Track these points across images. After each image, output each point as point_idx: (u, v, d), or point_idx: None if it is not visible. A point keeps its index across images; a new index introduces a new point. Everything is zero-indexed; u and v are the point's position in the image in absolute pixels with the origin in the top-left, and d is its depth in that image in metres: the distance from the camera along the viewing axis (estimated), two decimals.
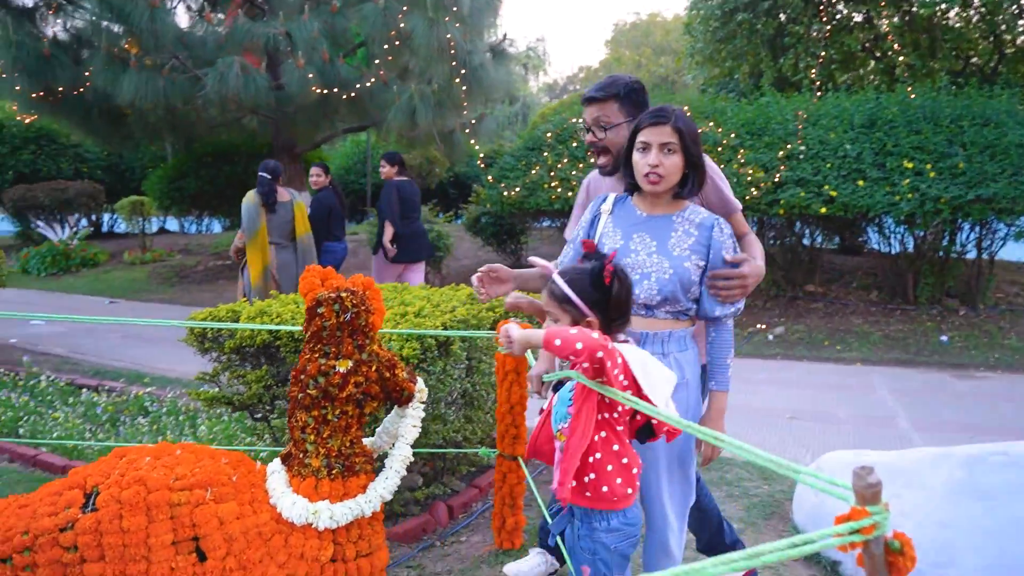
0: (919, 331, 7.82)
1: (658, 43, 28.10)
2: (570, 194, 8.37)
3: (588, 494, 1.87)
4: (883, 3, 11.54)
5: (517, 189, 8.60)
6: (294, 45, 8.70)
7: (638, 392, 1.77)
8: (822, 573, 3.13)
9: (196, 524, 1.79)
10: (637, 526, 1.95)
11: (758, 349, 7.51)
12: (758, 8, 11.89)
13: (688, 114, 2.34)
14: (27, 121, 12.83)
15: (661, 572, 0.88)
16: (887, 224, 8.37)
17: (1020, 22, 11.73)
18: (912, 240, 8.30)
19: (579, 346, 1.69)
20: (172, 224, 18.55)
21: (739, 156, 7.87)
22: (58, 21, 8.86)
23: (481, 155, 10.16)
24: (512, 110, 28.45)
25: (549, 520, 2.87)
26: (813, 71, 10.94)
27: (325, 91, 8.58)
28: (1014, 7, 11.30)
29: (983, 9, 11.54)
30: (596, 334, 1.74)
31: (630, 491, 1.90)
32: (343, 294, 1.91)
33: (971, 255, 8.29)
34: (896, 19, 11.89)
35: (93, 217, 15.97)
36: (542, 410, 2.59)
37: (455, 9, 8.23)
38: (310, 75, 8.48)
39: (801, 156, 7.74)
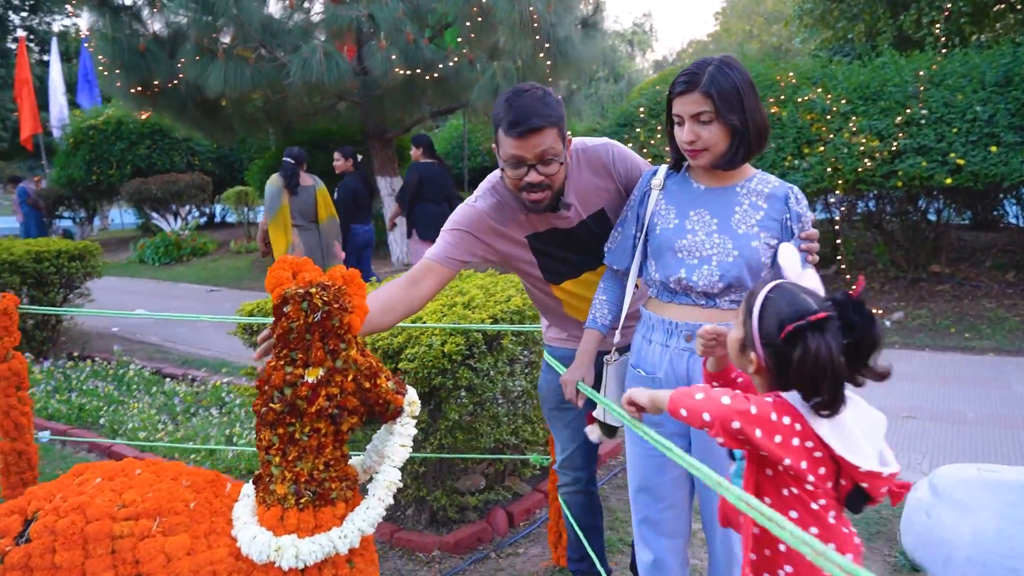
0: None
1: (770, 11, 26.64)
2: None
3: None
4: None
5: None
6: (377, 27, 8.54)
7: (827, 455, 1.36)
8: None
9: (139, 560, 1.53)
10: None
11: None
12: None
13: (730, 66, 1.90)
14: (143, 117, 13.31)
15: None
16: None
17: None
18: None
19: (706, 417, 1.35)
20: None
21: (850, 124, 7.11)
22: (153, 16, 9.03)
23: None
24: (617, 88, 27.73)
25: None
26: (938, 26, 9.85)
27: (409, 73, 8.38)
28: None
29: None
30: (728, 399, 1.34)
31: None
32: (313, 290, 1.60)
33: None
34: None
35: (205, 208, 16.55)
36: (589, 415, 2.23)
37: None
38: (393, 57, 8.30)
39: (922, 121, 6.90)
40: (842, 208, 8.13)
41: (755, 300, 1.40)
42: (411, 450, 1.73)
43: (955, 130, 6.80)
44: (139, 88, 8.91)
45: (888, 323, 7.04)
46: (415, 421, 1.73)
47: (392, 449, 1.71)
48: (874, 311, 1.40)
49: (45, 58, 18.15)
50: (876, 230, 8.15)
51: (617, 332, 2.25)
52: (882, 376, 1.36)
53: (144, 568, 1.53)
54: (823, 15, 12.12)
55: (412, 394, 1.74)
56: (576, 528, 2.70)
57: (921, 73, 7.22)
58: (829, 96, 7.38)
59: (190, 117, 10.08)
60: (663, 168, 2.13)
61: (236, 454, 4.25)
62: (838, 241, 7.83)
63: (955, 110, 6.89)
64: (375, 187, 8.17)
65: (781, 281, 1.43)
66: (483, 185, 2.30)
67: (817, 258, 1.94)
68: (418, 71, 8.32)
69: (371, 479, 1.78)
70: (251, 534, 1.59)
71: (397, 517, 3.66)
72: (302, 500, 1.61)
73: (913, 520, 3.01)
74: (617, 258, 2.18)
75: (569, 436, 2.59)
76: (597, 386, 2.22)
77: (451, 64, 8.30)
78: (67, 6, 10.13)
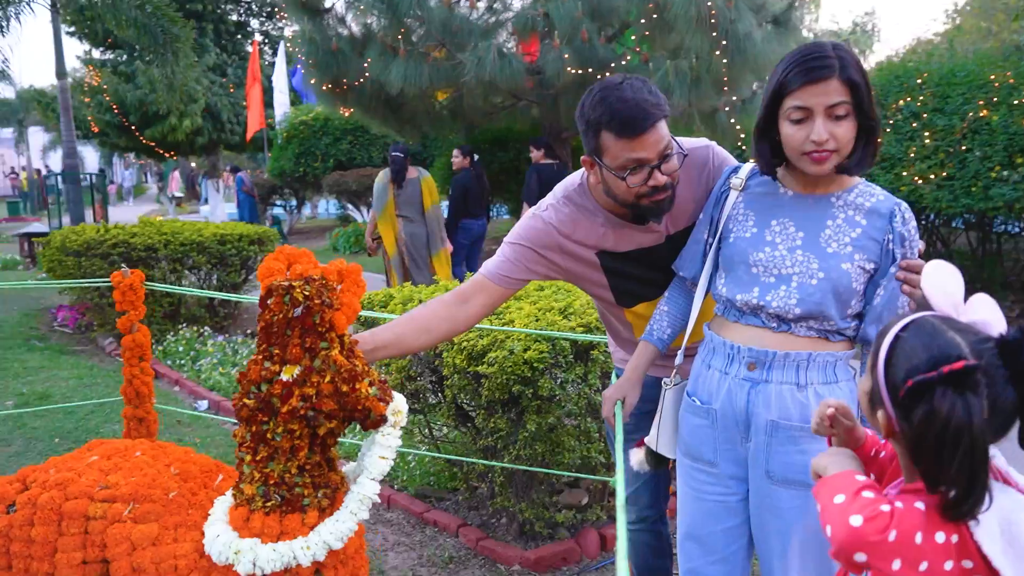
0: None
1: (1013, 5, 23.58)
2: None
3: None
4: None
5: None
6: (551, 25, 8.48)
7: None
8: None
9: (106, 544, 1.52)
10: None
11: None
12: None
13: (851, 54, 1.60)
14: (346, 114, 14.20)
15: None
16: None
17: None
18: None
19: (828, 532, 1.04)
20: None
21: None
22: (345, 18, 9.55)
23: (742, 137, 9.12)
24: None
25: None
26: None
27: (581, 72, 8.24)
28: None
29: None
30: (858, 517, 1.01)
31: None
32: (295, 283, 1.51)
33: None
34: None
35: None
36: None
37: None
38: (566, 56, 8.20)
39: None
40: None
41: (884, 340, 1.08)
42: (392, 462, 1.59)
43: None
44: (330, 86, 9.45)
45: None
46: (398, 432, 1.59)
47: (371, 460, 1.58)
48: None
49: (276, 60, 19.90)
50: None
51: (680, 352, 1.98)
52: None
53: (109, 552, 1.52)
54: None
55: (399, 402, 1.60)
56: (637, 568, 2.43)
57: None
58: None
59: (378, 113, 10.57)
60: (747, 166, 1.82)
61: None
62: None
63: None
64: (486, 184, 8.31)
65: (925, 314, 1.08)
66: (555, 193, 2.05)
67: (919, 293, 1.56)
68: (590, 70, 8.16)
69: None
70: (215, 532, 1.53)
71: (489, 524, 3.54)
72: (269, 503, 1.53)
73: None
74: (685, 263, 1.91)
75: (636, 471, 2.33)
76: (654, 411, 1.97)
77: (623, 63, 8.05)
78: (277, 11, 10.94)
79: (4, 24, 9.97)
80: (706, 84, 7.54)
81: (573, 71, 8.29)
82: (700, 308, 1.88)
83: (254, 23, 26.53)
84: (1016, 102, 6.41)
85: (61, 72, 10.89)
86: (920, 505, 1.01)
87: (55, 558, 1.51)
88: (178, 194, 28.51)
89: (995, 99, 6.52)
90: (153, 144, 23.05)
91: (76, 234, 6.99)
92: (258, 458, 1.53)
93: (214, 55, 23.48)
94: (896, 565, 0.98)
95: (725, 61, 7.48)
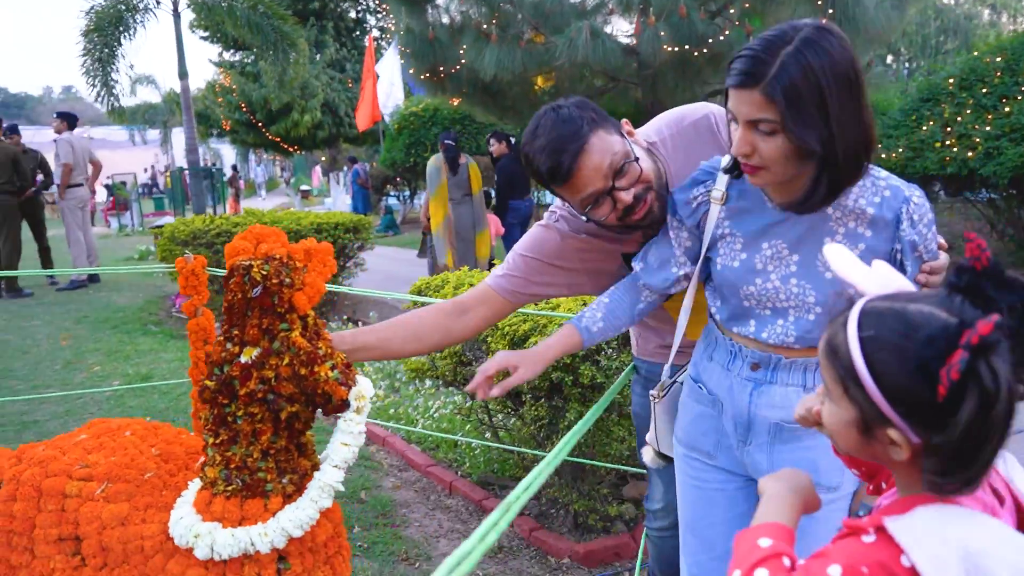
0: None
1: None
2: (970, 154, 6.51)
3: None
4: None
5: (900, 150, 6.96)
6: (647, 2, 8.20)
7: None
8: None
9: (78, 523, 1.53)
10: None
11: None
12: None
13: (818, 46, 1.23)
14: (454, 104, 14.35)
15: None
16: None
17: None
18: None
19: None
20: None
21: None
22: (441, 5, 9.60)
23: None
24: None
25: None
26: None
27: (677, 49, 7.93)
28: None
29: None
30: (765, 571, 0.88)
31: None
32: (255, 263, 1.47)
33: None
34: None
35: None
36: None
37: None
38: (661, 33, 7.90)
39: None
40: None
41: (849, 352, 0.86)
42: (356, 450, 1.53)
43: None
44: (428, 74, 9.54)
45: None
46: (361, 418, 1.52)
47: (333, 447, 1.53)
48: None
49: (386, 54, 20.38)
50: None
51: (667, 367, 1.80)
52: None
53: (81, 530, 1.53)
54: None
55: (363, 387, 1.53)
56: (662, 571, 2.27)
57: None
58: None
59: (478, 101, 10.59)
60: (724, 178, 1.51)
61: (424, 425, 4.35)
62: None
63: None
64: None
65: (860, 304, 0.89)
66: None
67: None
68: (687, 47, 7.83)
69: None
70: (179, 515, 1.52)
71: (547, 515, 3.45)
72: (230, 487, 1.50)
73: None
74: (651, 272, 1.65)
75: (669, 477, 2.14)
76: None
77: (721, 39, 7.68)
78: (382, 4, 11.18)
79: (131, 31, 10.67)
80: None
81: (670, 49, 7.99)
82: (690, 311, 1.68)
83: (371, 19, 27.28)
84: None
85: (182, 73, 11.54)
86: (835, 571, 0.82)
87: (33, 533, 1.54)
88: (309, 188, 29.89)
89: None
90: (278, 139, 24.16)
91: (185, 225, 7.38)
92: (219, 441, 1.50)
93: (333, 51, 24.31)
94: None
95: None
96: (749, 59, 1.27)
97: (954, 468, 0.81)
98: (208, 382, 1.50)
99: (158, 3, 11.33)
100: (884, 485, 1.05)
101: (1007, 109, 6.28)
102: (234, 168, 30.22)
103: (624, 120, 1.69)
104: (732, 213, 1.51)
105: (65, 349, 6.48)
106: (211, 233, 6.95)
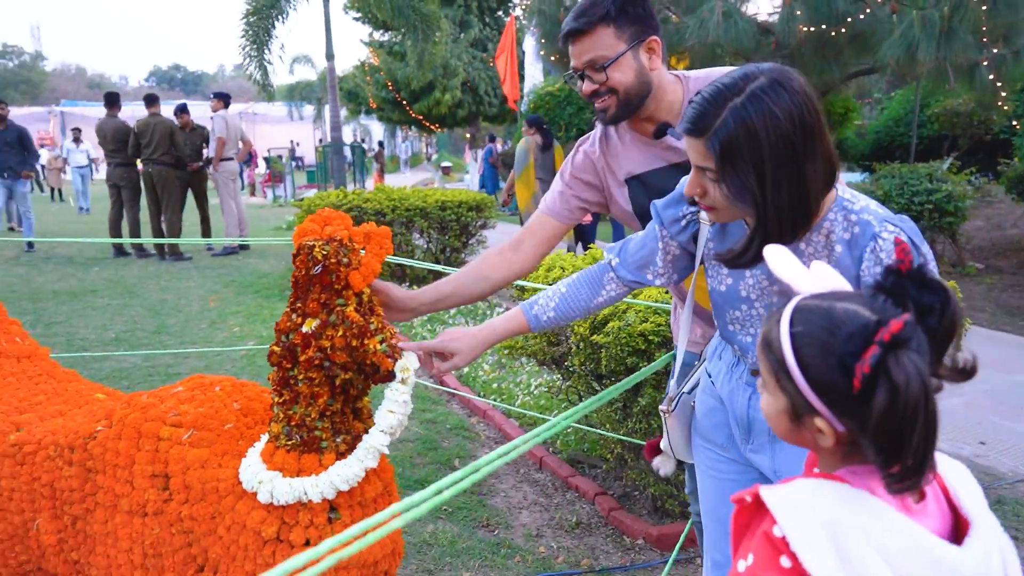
0: None
1: None
2: None
3: None
4: None
5: None
6: None
7: None
8: None
9: (168, 462, 1.78)
10: None
11: None
12: None
13: (766, 99, 1.22)
14: None
15: None
16: None
17: None
18: None
19: None
20: None
21: None
22: None
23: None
24: None
25: None
26: None
27: (814, 29, 7.60)
28: None
29: None
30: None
31: None
32: (316, 243, 1.65)
33: None
34: None
35: None
36: None
37: None
38: (798, 12, 7.61)
39: None
40: None
41: (780, 346, 0.93)
42: (402, 418, 1.68)
43: None
44: (557, 56, 9.62)
45: None
46: (407, 388, 1.67)
47: (380, 414, 1.68)
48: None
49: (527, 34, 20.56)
50: None
51: (672, 380, 1.82)
52: (968, 373, 0.89)
53: (170, 469, 1.77)
54: None
55: (408, 360, 1.67)
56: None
57: None
58: None
59: None
60: None
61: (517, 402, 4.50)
62: None
63: None
64: None
65: (793, 302, 0.96)
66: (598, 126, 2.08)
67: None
68: (823, 27, 7.50)
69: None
70: (247, 463, 1.72)
71: (630, 496, 3.53)
72: (290, 442, 1.69)
73: None
74: (627, 263, 1.69)
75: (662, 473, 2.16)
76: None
77: (862, 17, 7.30)
78: None
79: (284, 14, 11.36)
80: (961, 36, 6.59)
81: (806, 28, 7.67)
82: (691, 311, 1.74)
83: None
84: None
85: (329, 55, 12.18)
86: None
87: (133, 468, 1.80)
88: (450, 164, 30.75)
89: None
90: (420, 117, 24.97)
91: (321, 199, 7.87)
92: (282, 400, 1.69)
93: (476, 30, 24.76)
94: None
95: (985, 8, 6.48)
96: (697, 108, 1.29)
97: (886, 460, 0.85)
98: (275, 347, 1.69)
99: None
100: None
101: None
102: (380, 144, 31.47)
103: (654, 39, 1.82)
104: (716, 235, 1.54)
105: (212, 310, 7.11)
106: (343, 207, 7.37)
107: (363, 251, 1.70)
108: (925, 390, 0.82)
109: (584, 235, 8.96)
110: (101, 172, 17.24)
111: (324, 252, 1.63)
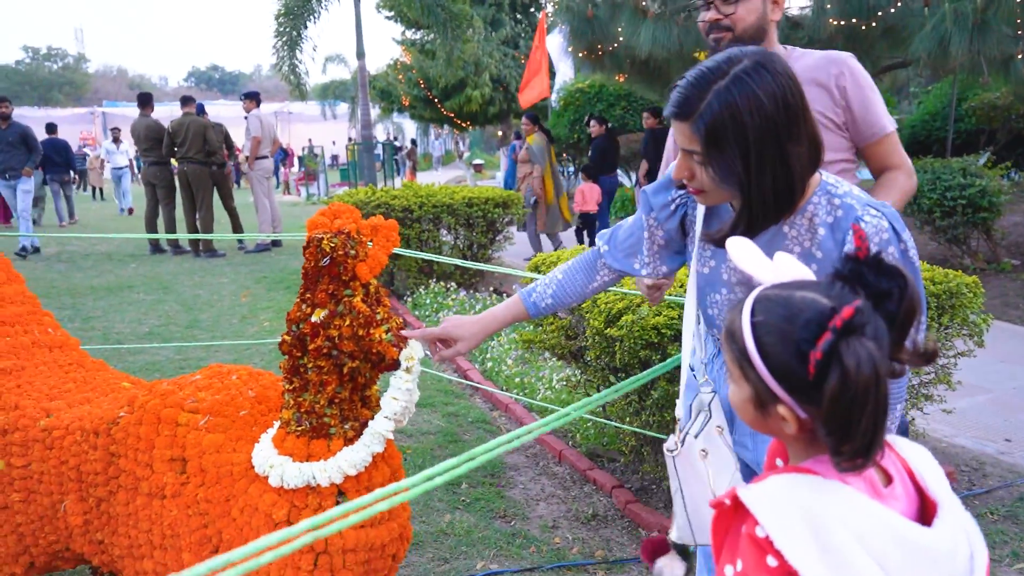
0: None
1: None
2: None
3: None
4: None
5: None
6: None
7: None
8: None
9: (185, 447, 1.85)
10: None
11: None
12: None
13: (750, 82, 1.25)
14: (620, 80, 14.34)
15: None
16: None
17: None
18: None
19: None
20: None
21: None
22: None
23: None
24: None
25: None
26: None
27: (844, 23, 7.51)
28: None
29: None
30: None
31: None
32: (324, 236, 1.71)
33: None
34: None
35: None
36: None
37: None
38: (828, 6, 7.52)
39: None
40: None
41: (742, 335, 0.95)
42: (407, 405, 1.73)
43: None
44: (586, 52, 9.62)
45: None
46: (411, 376, 1.72)
47: (385, 400, 1.74)
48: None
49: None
50: None
51: (679, 401, 1.72)
52: (929, 356, 0.92)
53: (187, 453, 1.84)
54: None
55: (413, 349, 1.72)
56: None
57: None
58: None
59: (638, 79, 10.54)
60: None
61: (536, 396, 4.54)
62: None
63: None
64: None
65: (755, 292, 0.99)
66: None
67: None
68: (854, 20, 7.40)
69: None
70: (259, 447, 1.79)
71: (648, 489, 3.55)
72: (300, 428, 1.75)
73: None
74: (616, 251, 1.72)
75: None
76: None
77: (892, 11, 7.19)
78: None
79: (315, 14, 11.53)
80: (996, 28, 6.46)
81: (836, 22, 7.58)
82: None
83: None
84: None
85: (360, 53, 12.32)
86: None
87: (152, 452, 1.88)
88: (482, 162, 30.84)
89: None
90: (452, 115, 25.07)
91: (349, 196, 7.97)
92: (293, 387, 1.76)
93: (508, 28, 24.79)
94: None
95: (1020, 0, 6.35)
96: (682, 91, 1.31)
97: (837, 441, 0.88)
98: (286, 337, 1.75)
99: None
100: None
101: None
102: (413, 142, 31.60)
103: None
104: (705, 217, 1.55)
105: (243, 305, 7.25)
106: (371, 204, 7.47)
107: (370, 243, 1.75)
108: (876, 374, 0.84)
109: (591, 225, 9.64)
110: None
111: (332, 244, 1.69)
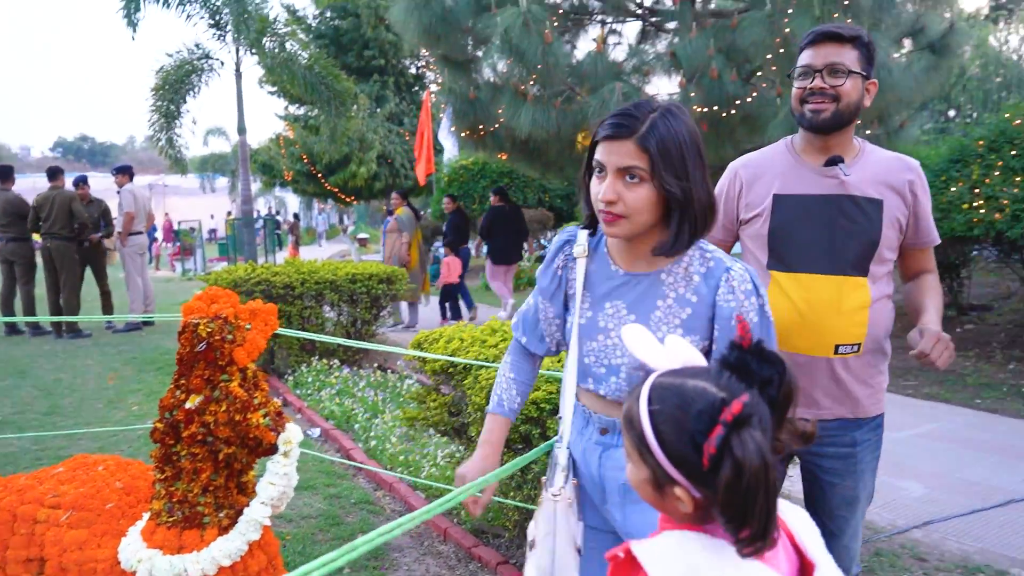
0: None
1: None
2: (997, 216, 6.47)
3: None
4: None
5: None
6: (679, 63, 8.42)
7: None
8: None
9: (44, 545, 1.75)
10: None
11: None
12: None
13: (676, 117, 1.49)
14: (503, 158, 14.77)
15: None
16: None
17: None
18: None
19: None
20: None
21: None
22: (482, 68, 10.00)
23: None
24: None
25: None
26: None
27: (706, 109, 8.10)
28: None
29: None
30: None
31: None
32: (201, 320, 1.69)
33: None
34: None
35: (545, 241, 17.77)
36: None
37: (846, 3, 7.00)
38: (692, 94, 8.10)
39: None
40: None
41: (640, 423, 1.01)
42: (285, 489, 1.71)
43: None
44: (468, 132, 9.91)
45: None
46: (289, 461, 1.71)
47: (262, 485, 1.71)
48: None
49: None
50: None
51: (558, 441, 1.76)
52: (807, 437, 0.99)
53: (46, 552, 1.74)
54: None
55: (291, 433, 1.72)
56: None
57: None
58: None
59: (519, 158, 10.92)
60: (583, 233, 1.71)
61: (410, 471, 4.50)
62: None
63: None
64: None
65: (649, 379, 1.05)
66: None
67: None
68: (715, 108, 8.00)
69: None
70: (127, 541, 1.72)
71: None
72: (171, 518, 1.70)
73: None
74: (531, 339, 1.84)
75: None
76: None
77: (749, 100, 7.83)
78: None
79: (195, 89, 11.39)
80: None
81: (699, 109, 8.17)
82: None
83: (430, 74, 28.20)
84: None
85: (241, 129, 12.22)
86: None
87: (6, 553, 1.76)
88: (367, 236, 30.70)
89: None
90: (336, 190, 25.00)
91: (228, 272, 7.76)
92: (164, 477, 1.71)
93: (392, 105, 25.19)
94: None
95: None
96: (624, 115, 1.49)
97: (736, 528, 0.95)
98: (158, 424, 1.71)
99: (222, 64, 12.07)
100: None
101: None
102: (296, 216, 31.17)
103: (874, 82, 2.05)
104: (587, 277, 1.68)
105: (110, 388, 6.86)
106: (251, 281, 7.30)
107: (248, 327, 1.75)
108: (765, 463, 0.92)
109: (452, 296, 10.22)
110: None
111: (209, 329, 1.68)
